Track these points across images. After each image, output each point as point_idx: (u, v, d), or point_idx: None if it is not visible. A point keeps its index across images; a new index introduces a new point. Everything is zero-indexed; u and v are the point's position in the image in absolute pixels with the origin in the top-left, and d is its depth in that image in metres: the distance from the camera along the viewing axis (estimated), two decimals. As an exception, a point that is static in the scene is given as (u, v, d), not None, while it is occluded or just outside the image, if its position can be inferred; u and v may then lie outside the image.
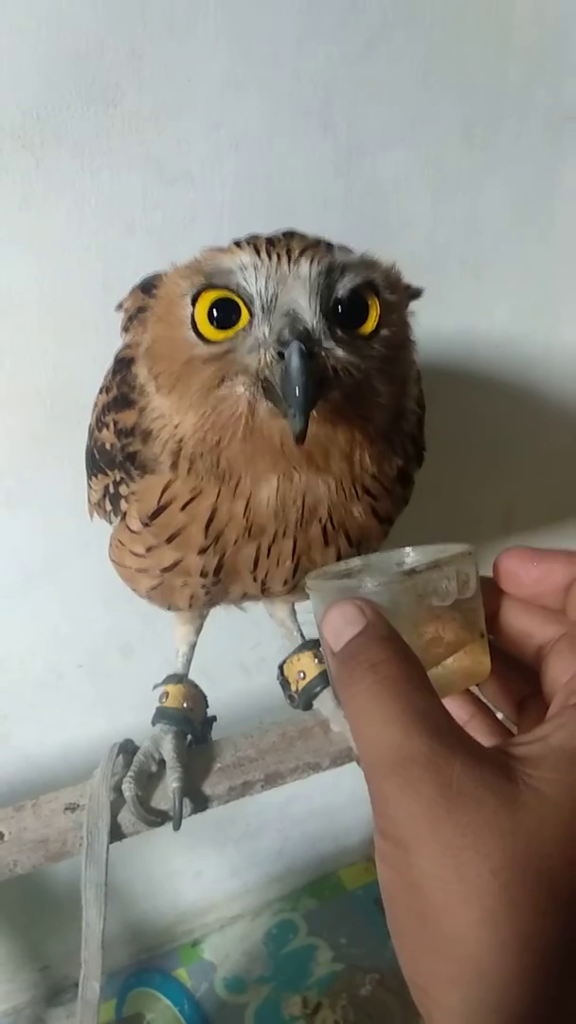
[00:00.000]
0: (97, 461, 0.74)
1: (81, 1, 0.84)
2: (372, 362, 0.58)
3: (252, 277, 0.55)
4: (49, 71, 0.86)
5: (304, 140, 1.00)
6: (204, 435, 0.60)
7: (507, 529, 1.46)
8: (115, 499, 0.72)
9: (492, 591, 0.52)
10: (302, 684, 0.90)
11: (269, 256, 0.54)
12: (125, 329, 0.75)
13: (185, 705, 0.87)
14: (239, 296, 0.56)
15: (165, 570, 0.70)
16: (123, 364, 0.68)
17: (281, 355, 0.53)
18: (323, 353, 0.54)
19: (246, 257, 0.55)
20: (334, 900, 1.67)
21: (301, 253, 0.54)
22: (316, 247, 0.56)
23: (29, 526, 1.08)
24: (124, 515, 0.72)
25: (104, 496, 0.75)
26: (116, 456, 0.68)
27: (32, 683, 1.20)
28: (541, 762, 0.40)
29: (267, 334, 0.54)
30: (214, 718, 0.91)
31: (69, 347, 0.98)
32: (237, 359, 0.56)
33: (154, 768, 0.83)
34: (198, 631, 0.92)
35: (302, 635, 0.94)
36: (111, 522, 0.78)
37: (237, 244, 0.58)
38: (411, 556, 0.58)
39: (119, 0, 0.86)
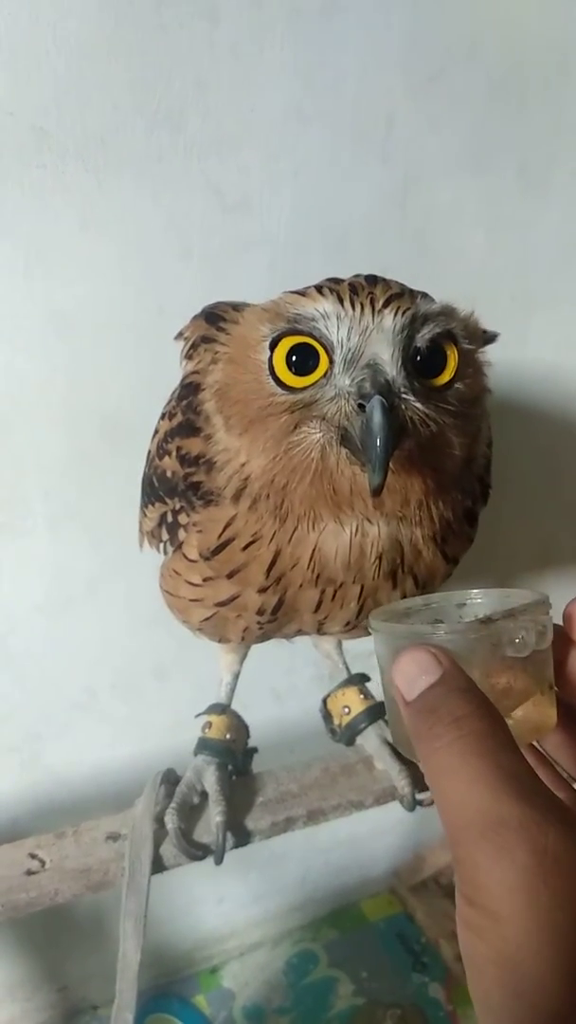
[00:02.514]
0: (156, 489, 0.73)
1: (150, 30, 0.85)
2: (447, 415, 0.57)
3: (335, 326, 0.54)
4: (116, 96, 0.87)
5: (362, 171, 1.01)
6: (273, 477, 0.59)
7: (545, 562, 1.44)
8: (173, 528, 0.72)
9: (561, 639, 0.50)
10: (346, 719, 0.89)
11: (353, 305, 0.54)
12: (188, 357, 0.75)
13: (228, 736, 0.86)
14: (320, 343, 0.55)
15: (220, 604, 0.70)
16: (190, 389, 0.67)
17: (362, 407, 0.52)
18: (402, 406, 0.54)
19: (329, 305, 0.55)
20: (356, 932, 1.64)
21: (385, 304, 0.54)
22: (400, 297, 0.55)
23: (73, 547, 1.08)
24: (180, 544, 0.71)
25: (160, 525, 0.74)
26: (178, 484, 0.68)
27: (66, 704, 1.19)
28: None
29: (348, 385, 0.54)
30: (255, 749, 0.90)
31: (121, 370, 0.98)
32: (316, 408, 0.56)
33: (196, 800, 0.82)
34: (242, 660, 0.91)
35: (347, 669, 0.93)
36: (165, 552, 0.77)
37: (319, 289, 0.57)
38: (476, 599, 0.57)
39: (187, 30, 0.86)
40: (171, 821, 0.78)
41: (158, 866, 0.78)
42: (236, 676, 0.91)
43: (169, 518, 0.72)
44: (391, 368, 0.53)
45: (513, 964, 0.36)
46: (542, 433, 1.29)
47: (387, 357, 0.53)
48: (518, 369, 1.23)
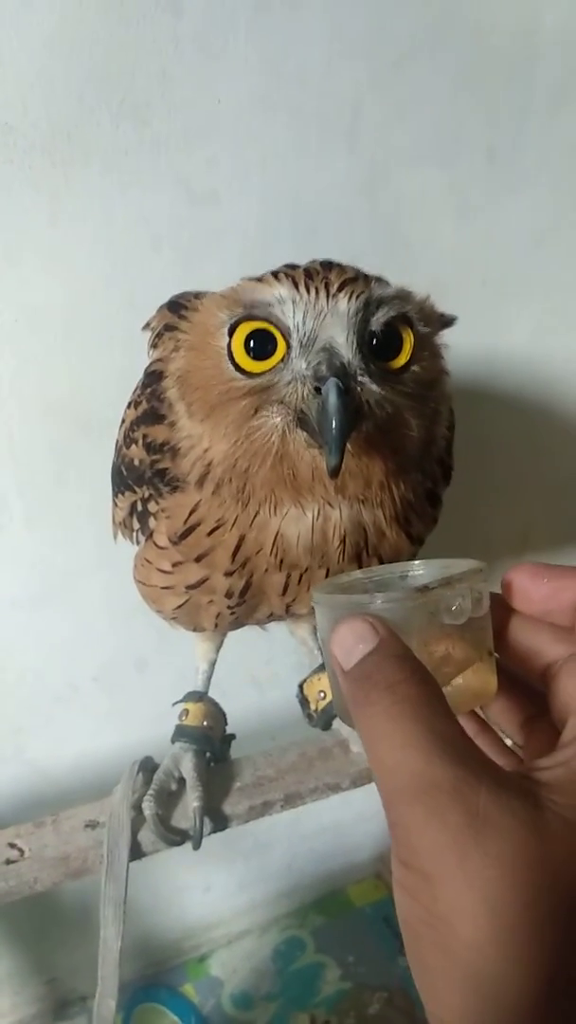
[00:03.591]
0: (124, 478, 0.73)
1: (114, 22, 0.85)
2: (404, 396, 0.58)
3: (290, 311, 0.55)
4: (81, 90, 0.87)
5: (330, 160, 1.01)
6: (235, 461, 0.60)
7: (523, 548, 1.46)
8: (143, 516, 0.72)
9: (500, 607, 0.51)
10: (322, 704, 0.90)
11: (308, 290, 0.55)
12: (153, 346, 0.75)
13: (205, 723, 0.87)
14: (277, 328, 0.56)
15: (191, 587, 0.70)
16: (153, 377, 0.68)
17: (318, 390, 0.53)
18: (358, 388, 0.55)
19: (284, 290, 0.55)
20: (342, 917, 1.66)
21: (339, 288, 0.55)
22: (354, 281, 0.56)
23: (48, 540, 1.08)
24: (151, 534, 0.72)
25: (131, 514, 0.75)
26: (145, 472, 0.68)
27: (48, 697, 1.20)
28: (565, 787, 0.39)
29: (304, 368, 0.55)
30: (233, 736, 0.91)
31: (93, 363, 0.99)
32: (274, 392, 0.56)
33: (174, 786, 0.83)
34: (218, 648, 0.92)
35: (322, 654, 0.94)
36: (137, 542, 0.77)
37: (275, 275, 0.58)
38: (417, 570, 0.57)
39: (151, 22, 0.86)
40: (148, 808, 0.78)
41: (136, 852, 0.78)
42: (212, 664, 0.92)
43: (139, 507, 0.72)
44: (346, 351, 0.54)
45: (446, 924, 0.36)
46: (517, 418, 1.30)
47: (342, 340, 0.54)
48: (491, 354, 1.24)
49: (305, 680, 0.94)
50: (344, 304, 0.54)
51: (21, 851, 0.78)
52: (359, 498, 0.61)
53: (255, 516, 0.62)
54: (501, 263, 1.18)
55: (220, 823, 0.82)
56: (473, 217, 1.12)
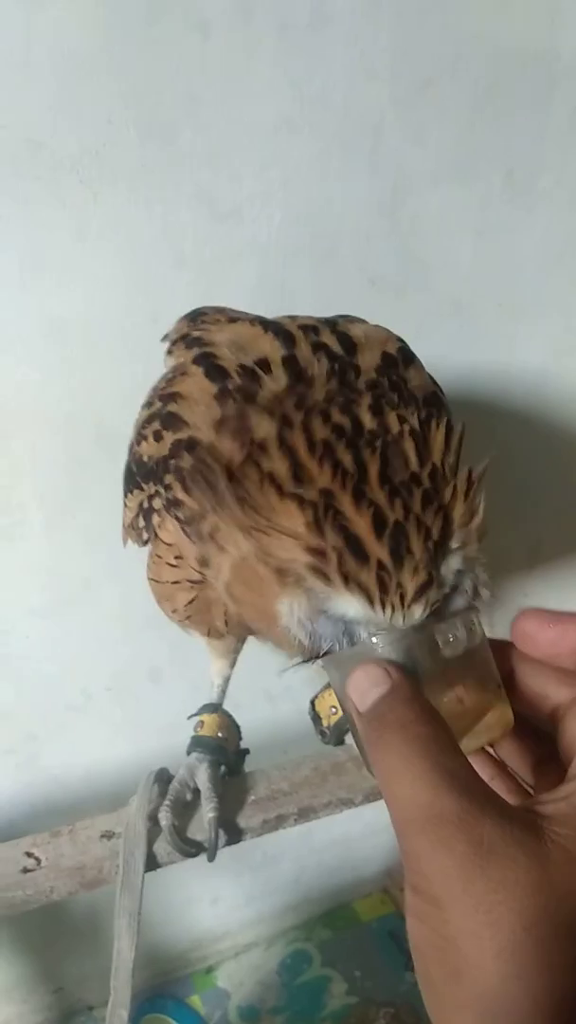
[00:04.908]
0: (134, 475, 0.72)
1: (143, 44, 0.87)
2: None
3: (363, 627, 0.50)
4: (109, 109, 0.88)
5: (351, 180, 1.02)
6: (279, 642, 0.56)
7: (532, 565, 1.46)
8: (148, 514, 0.71)
9: (508, 652, 0.51)
10: (334, 719, 0.91)
11: (384, 606, 0.48)
12: (169, 352, 0.75)
13: (220, 735, 0.88)
14: None
15: (194, 582, 0.70)
16: (180, 446, 0.63)
17: None
18: None
19: (360, 607, 0.49)
20: (349, 931, 1.66)
21: (415, 598, 0.49)
22: (428, 588, 0.49)
23: (66, 550, 1.09)
24: (157, 532, 0.72)
25: (138, 515, 0.75)
26: (156, 468, 0.66)
27: (62, 705, 1.21)
28: (567, 820, 0.41)
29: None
30: (247, 751, 0.91)
31: (114, 377, 1.00)
32: None
33: (189, 797, 0.83)
34: (232, 664, 0.93)
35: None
36: (142, 543, 0.77)
37: (345, 579, 0.49)
38: None
39: (179, 43, 0.88)
40: (165, 818, 0.79)
41: (152, 863, 0.79)
42: (227, 679, 0.93)
43: (145, 504, 0.71)
44: (421, 652, 0.50)
45: (453, 946, 0.38)
46: (530, 436, 1.31)
47: (415, 645, 0.49)
48: (505, 375, 1.25)
49: (316, 696, 0.95)
50: (418, 613, 0.49)
51: (38, 860, 0.79)
52: None
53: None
54: (518, 283, 1.19)
55: (234, 836, 0.82)
56: (491, 238, 1.13)
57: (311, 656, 0.51)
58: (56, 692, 1.20)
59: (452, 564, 0.49)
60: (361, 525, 0.48)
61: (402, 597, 0.48)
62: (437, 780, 0.41)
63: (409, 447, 0.51)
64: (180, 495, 0.61)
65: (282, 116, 0.96)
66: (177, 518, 0.63)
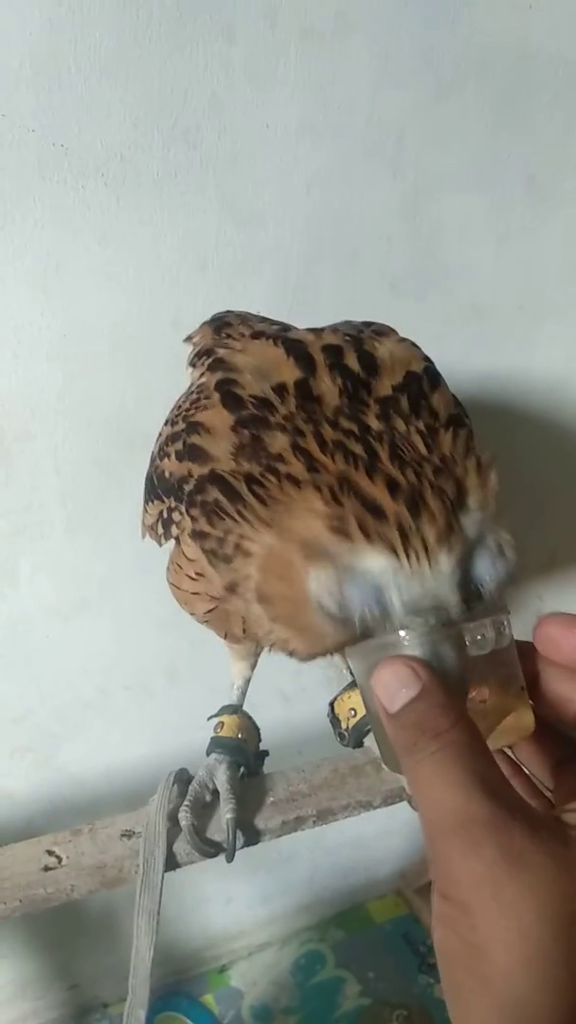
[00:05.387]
0: (155, 486, 0.73)
1: (168, 49, 0.87)
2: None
3: (392, 582, 0.50)
4: (134, 114, 0.89)
5: (374, 184, 1.03)
6: (310, 652, 0.57)
7: (551, 567, 1.46)
8: (167, 524, 0.72)
9: (532, 656, 0.52)
10: (353, 722, 0.91)
11: (408, 556, 0.49)
12: (193, 366, 0.76)
13: (240, 736, 0.88)
14: None
15: (215, 598, 0.71)
16: (206, 477, 0.62)
17: None
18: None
19: (384, 561, 0.50)
20: (362, 932, 1.66)
21: (438, 543, 0.49)
22: (449, 533, 0.50)
23: (87, 550, 1.10)
24: (177, 539, 0.73)
25: (158, 520, 0.76)
26: (176, 487, 0.67)
27: (81, 704, 1.22)
28: None
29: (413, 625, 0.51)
30: (266, 752, 0.92)
31: (138, 379, 1.01)
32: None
33: (208, 798, 0.84)
34: (253, 667, 0.93)
35: (351, 672, 0.95)
36: (161, 544, 0.78)
37: (365, 533, 0.50)
38: None
39: (204, 49, 0.88)
40: (184, 819, 0.79)
41: (171, 863, 0.79)
42: (247, 681, 0.93)
43: (164, 515, 0.73)
44: (455, 611, 0.50)
45: (480, 952, 0.39)
46: (548, 442, 1.31)
47: (449, 601, 0.50)
48: (526, 378, 1.25)
49: (335, 699, 0.95)
50: (445, 563, 0.49)
51: (59, 858, 0.79)
52: None
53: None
54: (538, 288, 1.19)
55: (252, 837, 0.82)
56: (512, 242, 1.13)
57: (346, 636, 0.51)
58: (75, 691, 1.21)
59: (472, 518, 0.50)
60: (376, 491, 0.49)
61: (425, 545, 0.49)
62: (470, 786, 0.41)
63: (418, 440, 0.53)
64: (206, 528, 0.61)
65: (306, 121, 0.96)
66: (203, 549, 0.63)
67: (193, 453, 0.64)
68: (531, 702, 0.52)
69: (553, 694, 0.51)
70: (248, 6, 0.88)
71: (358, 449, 0.52)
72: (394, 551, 0.49)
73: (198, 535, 0.63)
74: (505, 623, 0.50)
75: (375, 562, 0.49)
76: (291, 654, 0.59)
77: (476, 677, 0.50)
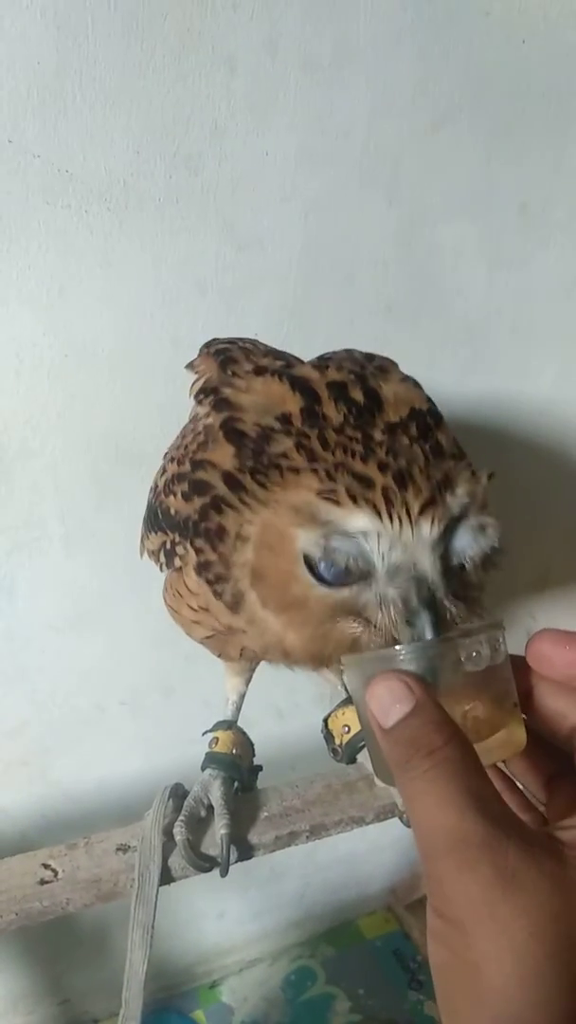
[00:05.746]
0: (159, 520, 0.74)
1: (172, 79, 0.89)
2: (476, 603, 0.58)
3: (375, 543, 0.53)
4: (138, 141, 0.91)
5: (369, 211, 1.05)
6: (309, 651, 0.59)
7: (543, 586, 1.48)
8: (170, 555, 0.74)
9: (525, 671, 0.52)
10: (346, 738, 0.92)
11: (391, 519, 0.53)
12: (198, 401, 0.75)
13: (234, 751, 0.89)
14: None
15: (218, 632, 0.72)
16: (207, 488, 0.65)
17: (410, 622, 0.53)
18: (446, 614, 0.54)
19: (367, 521, 0.53)
20: (353, 949, 1.67)
21: (421, 511, 0.53)
22: (432, 504, 0.54)
23: (85, 566, 1.11)
24: (181, 568, 0.74)
25: (160, 550, 0.77)
26: (182, 525, 0.68)
27: (76, 719, 1.23)
28: None
29: (393, 594, 0.54)
30: (260, 767, 0.93)
31: (137, 398, 1.02)
32: (358, 609, 0.55)
33: (203, 813, 0.85)
34: (248, 682, 0.94)
35: (346, 689, 0.97)
36: (162, 569, 0.80)
37: (352, 497, 0.53)
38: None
39: (207, 79, 0.91)
40: (179, 833, 0.80)
41: (166, 877, 0.80)
42: (242, 696, 0.94)
43: (168, 546, 0.74)
44: (433, 577, 0.53)
45: (476, 971, 0.39)
46: (540, 463, 1.33)
47: (428, 567, 0.53)
48: (517, 400, 1.27)
49: (329, 715, 0.96)
50: (427, 530, 0.53)
51: (55, 872, 0.80)
52: None
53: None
54: (530, 312, 1.21)
55: (246, 852, 0.83)
56: (504, 268, 1.16)
57: (334, 606, 0.55)
58: (70, 705, 1.22)
59: (459, 500, 0.55)
60: (368, 469, 0.55)
61: (408, 511, 0.53)
62: (464, 804, 0.42)
63: (418, 450, 0.57)
64: (211, 557, 0.64)
65: (304, 149, 0.98)
66: (208, 580, 0.65)
67: (199, 488, 0.66)
68: (524, 716, 0.52)
69: (546, 709, 0.52)
70: (249, 38, 0.91)
71: (359, 448, 0.56)
72: (378, 513, 0.53)
73: (203, 567, 0.65)
74: (500, 640, 0.51)
75: (360, 521, 0.53)
76: (288, 657, 0.61)
77: (470, 692, 0.51)
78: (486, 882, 0.39)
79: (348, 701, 0.95)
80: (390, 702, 0.46)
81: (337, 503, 0.54)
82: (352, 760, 0.92)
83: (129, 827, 0.85)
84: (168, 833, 0.81)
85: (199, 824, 0.84)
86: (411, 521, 0.53)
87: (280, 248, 1.02)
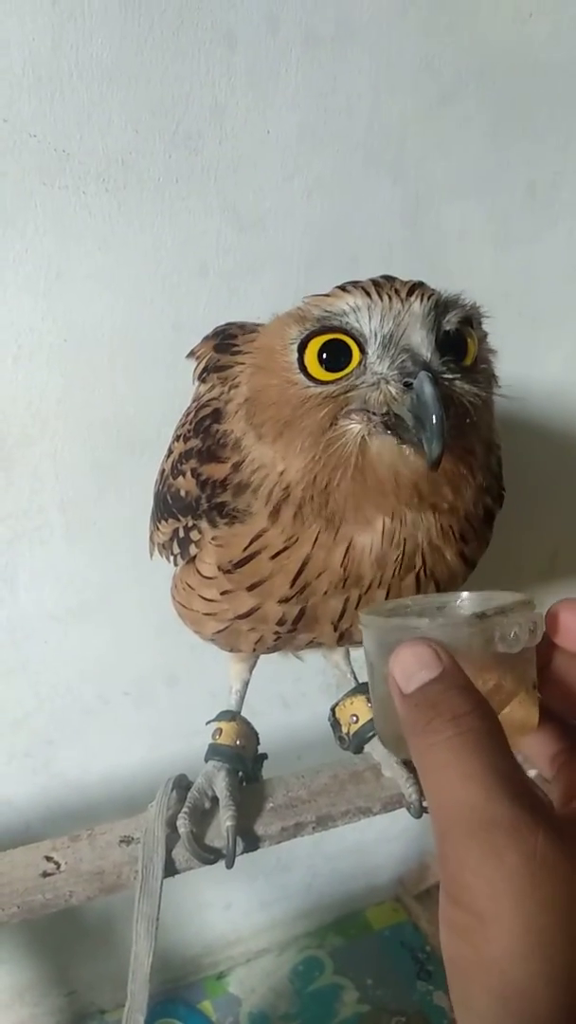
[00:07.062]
0: (170, 506, 0.74)
1: (171, 55, 0.87)
2: (474, 395, 0.58)
3: (366, 317, 0.56)
4: (136, 120, 0.89)
5: (374, 191, 1.03)
6: (313, 478, 0.59)
7: (551, 573, 1.46)
8: (184, 543, 0.73)
9: (544, 642, 0.50)
10: (354, 727, 0.91)
11: (381, 296, 0.56)
12: (201, 380, 0.76)
13: (238, 743, 0.88)
14: (351, 336, 0.56)
15: (240, 616, 0.71)
16: (208, 417, 0.68)
17: (407, 385, 0.53)
18: (445, 383, 0.55)
19: (359, 299, 0.56)
20: (361, 939, 1.66)
21: (410, 292, 0.56)
22: (421, 285, 0.57)
23: (87, 555, 1.10)
24: (193, 558, 0.73)
25: (172, 539, 0.76)
26: (195, 505, 0.69)
27: (79, 710, 1.21)
28: None
29: (388, 369, 0.55)
30: (265, 756, 0.92)
31: (138, 384, 1.01)
32: (356, 396, 0.56)
33: (207, 805, 0.83)
34: (252, 669, 0.93)
35: (355, 678, 0.95)
36: (176, 564, 0.78)
37: (343, 288, 0.58)
38: (464, 600, 0.56)
39: (206, 55, 0.89)
40: (183, 825, 0.79)
41: (170, 870, 0.79)
42: (246, 684, 0.93)
43: (181, 533, 0.73)
44: (427, 349, 0.55)
45: (499, 968, 0.36)
46: (547, 446, 1.31)
47: (421, 339, 0.55)
48: (525, 383, 1.24)
49: (337, 704, 0.95)
50: (418, 305, 0.55)
51: (57, 864, 0.79)
52: (431, 505, 0.60)
53: (334, 532, 0.61)
54: (538, 294, 1.19)
55: (252, 843, 0.82)
56: (512, 249, 1.13)
57: (330, 400, 0.57)
58: (73, 697, 1.21)
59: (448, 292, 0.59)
60: (366, 283, 0.58)
61: (397, 291, 0.56)
62: (491, 782, 0.39)
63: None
64: (222, 484, 0.66)
65: (306, 127, 0.96)
66: (231, 516, 0.66)
67: (200, 425, 0.68)
68: (539, 696, 0.50)
69: (564, 681, 0.50)
70: (249, 13, 0.89)
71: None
72: (368, 294, 0.56)
73: (218, 510, 0.66)
74: (538, 623, 0.49)
75: (351, 300, 0.57)
76: (286, 492, 0.61)
77: (495, 670, 0.48)
78: (512, 870, 0.36)
79: (356, 691, 0.94)
80: (416, 667, 0.44)
81: (327, 295, 0.58)
82: (359, 749, 0.90)
83: (132, 819, 0.83)
84: (172, 825, 0.80)
85: (203, 816, 0.82)
86: (400, 297, 0.55)
87: (283, 229, 1.00)
